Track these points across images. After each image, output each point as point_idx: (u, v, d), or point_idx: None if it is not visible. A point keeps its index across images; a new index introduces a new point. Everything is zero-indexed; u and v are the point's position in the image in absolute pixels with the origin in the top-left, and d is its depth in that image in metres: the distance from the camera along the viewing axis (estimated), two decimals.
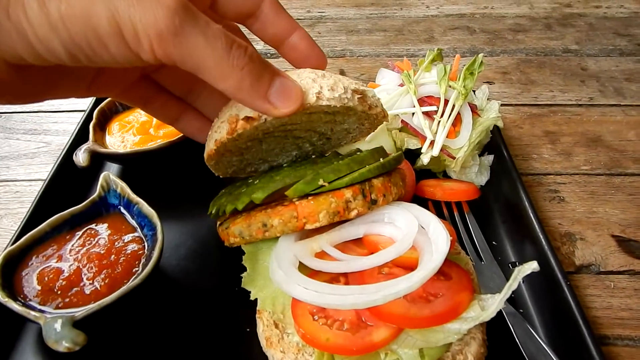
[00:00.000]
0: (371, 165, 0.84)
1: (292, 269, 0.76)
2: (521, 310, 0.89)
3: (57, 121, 1.37)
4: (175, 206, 1.07)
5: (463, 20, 1.84)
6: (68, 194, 1.05)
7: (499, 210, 1.08)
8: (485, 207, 1.09)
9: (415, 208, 0.85)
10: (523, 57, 1.64)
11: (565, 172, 1.22)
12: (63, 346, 0.71)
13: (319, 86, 0.75)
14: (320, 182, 0.80)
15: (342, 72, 1.56)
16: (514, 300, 0.91)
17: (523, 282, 0.94)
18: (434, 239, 0.78)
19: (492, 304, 0.73)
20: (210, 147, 0.80)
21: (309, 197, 0.80)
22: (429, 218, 0.82)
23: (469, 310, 0.74)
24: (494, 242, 1.01)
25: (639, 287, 0.96)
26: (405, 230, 0.79)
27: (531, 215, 1.00)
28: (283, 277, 0.75)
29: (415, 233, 0.78)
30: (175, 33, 0.52)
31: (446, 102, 1.09)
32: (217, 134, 0.78)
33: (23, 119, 1.38)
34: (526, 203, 1.02)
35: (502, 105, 1.38)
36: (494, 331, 0.82)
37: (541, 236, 0.95)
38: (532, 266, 0.70)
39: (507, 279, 0.88)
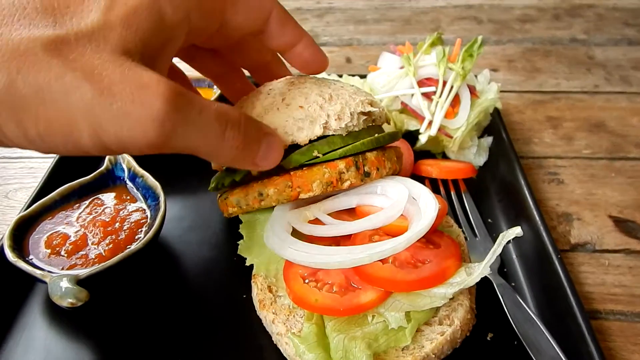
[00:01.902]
0: (365, 139, 0.86)
1: (285, 234, 0.79)
2: (513, 284, 0.91)
3: None
4: (180, 182, 1.10)
5: (471, 11, 1.86)
6: (77, 169, 1.08)
7: (495, 190, 1.10)
8: (483, 187, 1.10)
9: (409, 181, 0.87)
10: (529, 46, 1.65)
11: (566, 155, 1.23)
12: (67, 301, 0.75)
13: (326, 115, 0.81)
14: (315, 153, 0.83)
15: (348, 60, 1.59)
16: (506, 274, 0.92)
17: (516, 256, 0.95)
18: (423, 208, 0.80)
19: (477, 270, 0.75)
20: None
21: (304, 168, 0.83)
22: (421, 190, 0.84)
23: (455, 276, 0.76)
24: (489, 220, 1.03)
25: (634, 265, 0.97)
26: (395, 199, 0.81)
27: (527, 193, 1.01)
28: (276, 241, 0.79)
29: (405, 201, 0.80)
30: (167, 137, 0.51)
31: (445, 83, 1.11)
32: None
33: None
34: (522, 182, 1.03)
35: (505, 92, 1.40)
36: (484, 302, 0.84)
37: (535, 213, 0.97)
38: (516, 231, 0.72)
39: (501, 254, 0.91)
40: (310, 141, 0.84)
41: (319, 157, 0.83)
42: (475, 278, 0.73)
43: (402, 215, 0.81)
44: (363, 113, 0.87)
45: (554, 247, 0.90)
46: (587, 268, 0.97)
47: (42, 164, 1.22)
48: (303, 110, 0.84)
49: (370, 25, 1.77)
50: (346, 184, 0.83)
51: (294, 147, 0.84)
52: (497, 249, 0.73)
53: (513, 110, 1.37)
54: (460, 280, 0.74)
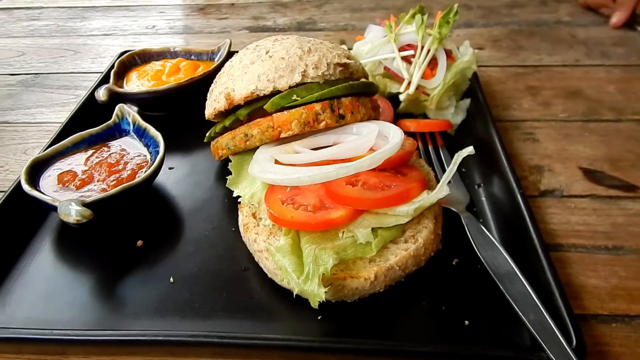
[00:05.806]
0: (340, 85, 0.96)
1: (267, 162, 0.89)
2: (481, 220, 0.97)
3: (86, 79, 1.54)
4: (178, 138, 1.19)
5: None
6: (87, 125, 1.18)
7: (471, 144, 1.16)
8: (459, 143, 1.17)
9: (381, 123, 0.96)
10: (515, 28, 1.74)
11: (543, 118, 1.31)
12: (73, 218, 0.84)
13: (305, 64, 0.94)
14: (294, 97, 0.93)
15: (341, 42, 1.69)
16: (475, 213, 0.99)
17: (485, 198, 1.03)
18: (391, 140, 0.89)
19: (436, 189, 0.83)
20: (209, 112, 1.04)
21: (284, 110, 0.93)
22: (391, 127, 0.93)
23: (418, 197, 0.84)
24: (463, 169, 1.10)
25: (599, 207, 1.04)
26: (367, 133, 0.90)
27: (498, 145, 1.09)
28: (258, 168, 0.88)
29: (375, 134, 0.89)
30: None
31: (423, 47, 1.20)
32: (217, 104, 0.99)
33: (58, 78, 1.55)
34: (495, 138, 1.12)
35: (489, 66, 1.49)
36: (452, 235, 0.93)
37: (504, 161, 1.05)
38: (469, 149, 0.81)
39: (472, 198, 0.99)
40: (290, 87, 0.94)
41: (297, 99, 0.92)
42: (434, 195, 0.82)
43: (372, 149, 0.90)
44: (339, 64, 0.97)
45: (519, 187, 0.97)
46: (554, 210, 1.04)
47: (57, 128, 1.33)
48: (284, 61, 0.94)
49: (365, 13, 1.88)
50: (322, 124, 0.92)
51: (275, 93, 0.94)
52: (452, 169, 0.81)
53: (495, 81, 1.45)
54: (422, 198, 0.82)
